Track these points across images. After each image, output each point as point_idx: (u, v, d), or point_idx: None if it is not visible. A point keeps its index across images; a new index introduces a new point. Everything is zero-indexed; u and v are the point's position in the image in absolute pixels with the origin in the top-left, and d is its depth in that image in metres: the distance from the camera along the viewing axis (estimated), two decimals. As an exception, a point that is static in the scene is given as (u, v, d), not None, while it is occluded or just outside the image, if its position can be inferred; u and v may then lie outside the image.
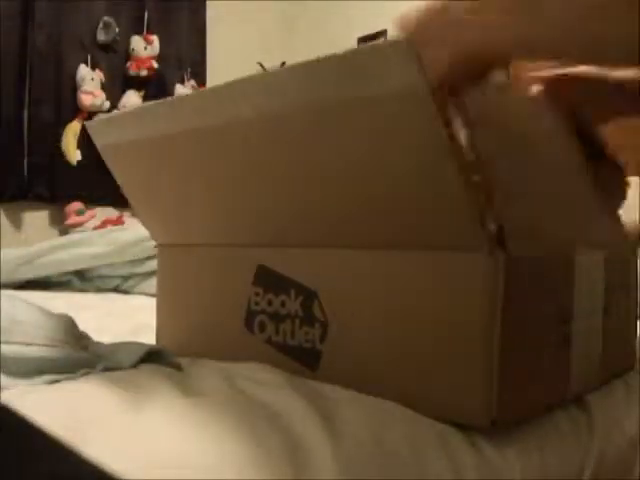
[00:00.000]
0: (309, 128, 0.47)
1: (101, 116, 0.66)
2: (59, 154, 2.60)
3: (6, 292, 0.63)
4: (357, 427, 0.41)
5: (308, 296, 0.53)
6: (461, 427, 0.44)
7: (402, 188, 0.46)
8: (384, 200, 0.47)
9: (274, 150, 0.51)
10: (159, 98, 0.58)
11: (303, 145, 0.49)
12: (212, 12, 3.16)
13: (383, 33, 2.85)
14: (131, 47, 2.85)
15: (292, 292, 0.54)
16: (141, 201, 0.68)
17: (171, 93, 2.90)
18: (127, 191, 0.67)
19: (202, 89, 0.57)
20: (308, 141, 0.48)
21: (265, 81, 0.48)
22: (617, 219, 0.59)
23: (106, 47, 2.79)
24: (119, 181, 0.66)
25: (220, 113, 0.52)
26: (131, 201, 0.68)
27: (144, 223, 0.70)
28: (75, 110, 2.66)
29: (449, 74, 0.43)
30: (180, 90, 2.94)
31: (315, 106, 0.46)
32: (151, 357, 0.52)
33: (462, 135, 0.43)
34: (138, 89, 2.86)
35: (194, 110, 0.54)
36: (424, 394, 0.46)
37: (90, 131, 0.64)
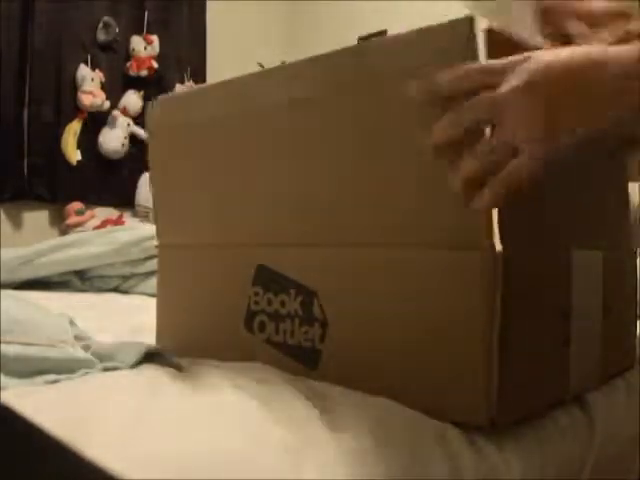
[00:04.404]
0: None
1: (173, 94, 0.67)
2: (59, 154, 2.60)
3: (6, 292, 0.63)
4: (357, 426, 0.41)
5: (308, 296, 0.53)
6: (461, 426, 0.44)
7: (402, 187, 0.46)
8: (384, 198, 0.47)
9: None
10: (159, 98, 0.58)
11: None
12: (212, 12, 3.16)
13: (383, 33, 2.85)
14: (131, 47, 2.84)
15: (292, 292, 0.54)
16: (160, 191, 0.68)
17: (171, 93, 2.90)
18: (152, 179, 0.67)
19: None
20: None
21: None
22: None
23: (106, 47, 2.79)
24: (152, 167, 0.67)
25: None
26: (152, 190, 0.68)
27: (155, 219, 0.69)
28: (75, 110, 2.65)
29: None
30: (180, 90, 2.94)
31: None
32: (151, 357, 0.52)
33: None
34: (138, 89, 2.86)
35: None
36: (424, 393, 0.46)
37: (149, 111, 0.65)
